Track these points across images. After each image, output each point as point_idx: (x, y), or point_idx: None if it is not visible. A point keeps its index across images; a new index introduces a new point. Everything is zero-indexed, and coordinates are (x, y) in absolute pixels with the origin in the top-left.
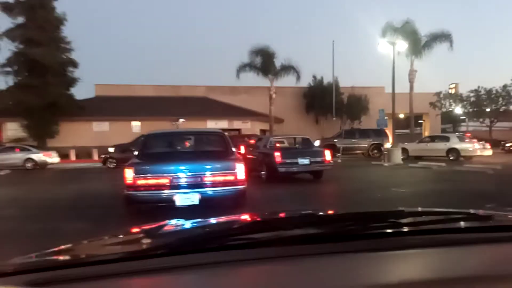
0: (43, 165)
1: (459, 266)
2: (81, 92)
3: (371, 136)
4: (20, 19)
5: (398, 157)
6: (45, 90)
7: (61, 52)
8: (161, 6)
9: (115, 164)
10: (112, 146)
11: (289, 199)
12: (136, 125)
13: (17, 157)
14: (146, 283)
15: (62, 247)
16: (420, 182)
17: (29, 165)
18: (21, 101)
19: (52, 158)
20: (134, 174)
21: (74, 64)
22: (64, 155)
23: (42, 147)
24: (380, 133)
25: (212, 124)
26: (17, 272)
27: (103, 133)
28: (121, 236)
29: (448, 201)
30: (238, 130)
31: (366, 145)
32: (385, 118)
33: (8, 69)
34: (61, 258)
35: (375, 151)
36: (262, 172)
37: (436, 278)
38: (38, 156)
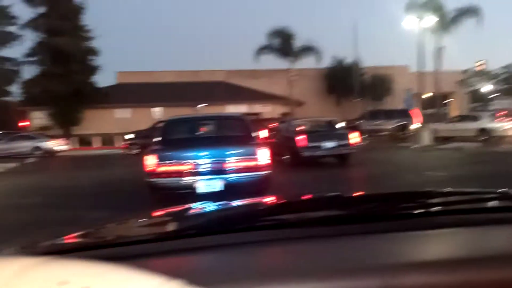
0: (51, 153)
1: (488, 245)
2: (103, 79)
3: (396, 117)
4: (42, 9)
5: (426, 138)
6: (69, 78)
7: (82, 40)
8: None
9: (138, 150)
10: (130, 133)
11: (315, 185)
12: (157, 111)
13: (25, 145)
14: (177, 263)
15: (91, 229)
16: (455, 165)
17: (37, 152)
18: (46, 89)
19: (60, 146)
20: (154, 160)
21: (96, 52)
22: (87, 142)
23: (66, 134)
24: (405, 114)
25: (232, 109)
26: (51, 252)
27: (125, 119)
28: (149, 218)
29: (490, 184)
30: (258, 114)
31: (391, 127)
32: (413, 98)
33: (32, 58)
34: (91, 239)
35: (401, 132)
36: (285, 157)
37: (465, 257)
38: (46, 144)
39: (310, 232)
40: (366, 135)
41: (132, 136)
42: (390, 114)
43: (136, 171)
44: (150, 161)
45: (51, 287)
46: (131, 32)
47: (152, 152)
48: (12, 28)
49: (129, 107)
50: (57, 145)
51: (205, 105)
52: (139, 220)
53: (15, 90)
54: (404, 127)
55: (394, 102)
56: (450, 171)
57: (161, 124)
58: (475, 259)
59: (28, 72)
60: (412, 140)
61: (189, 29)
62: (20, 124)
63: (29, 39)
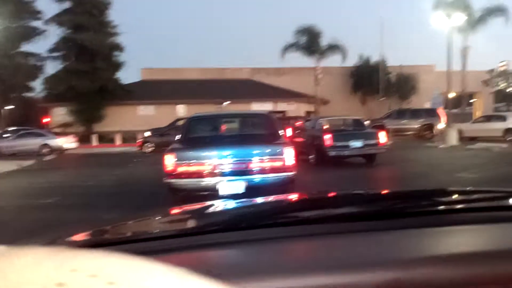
0: (59, 151)
1: (503, 241)
2: (128, 76)
3: (423, 116)
4: (67, 4)
5: (453, 138)
6: (93, 75)
7: (107, 36)
8: None
9: (153, 148)
10: (148, 130)
11: (342, 185)
12: (181, 109)
13: (33, 143)
14: (202, 257)
15: (116, 224)
16: (486, 166)
17: (45, 150)
18: (69, 86)
19: (69, 144)
20: (174, 160)
21: (120, 48)
22: (109, 140)
23: (87, 131)
24: (432, 113)
25: (257, 106)
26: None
27: (148, 117)
28: (171, 214)
29: None
30: (283, 112)
31: (417, 126)
32: (441, 97)
33: (56, 54)
34: (117, 234)
35: (427, 131)
36: (311, 156)
37: (480, 251)
38: (54, 142)
39: (332, 228)
40: (392, 134)
41: (148, 133)
42: (416, 114)
43: (147, 170)
44: (170, 161)
45: (63, 274)
46: (156, 29)
47: (172, 151)
48: (36, 23)
49: (152, 104)
50: (65, 142)
51: (230, 103)
52: (161, 216)
53: (38, 86)
54: (430, 127)
55: (420, 101)
56: (482, 172)
57: (180, 122)
58: (493, 254)
59: (52, 68)
60: (439, 140)
61: (215, 26)
62: (42, 120)
63: (54, 34)
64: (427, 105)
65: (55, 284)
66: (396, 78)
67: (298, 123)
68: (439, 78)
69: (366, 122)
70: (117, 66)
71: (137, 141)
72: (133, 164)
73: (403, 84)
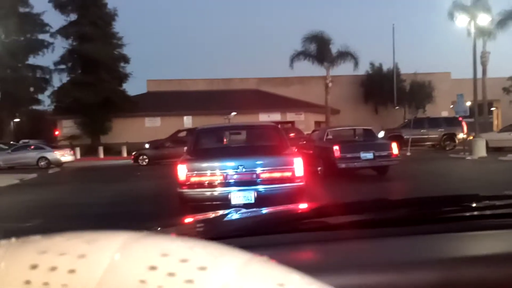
0: (57, 164)
1: None
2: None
3: (443, 125)
4: (73, 16)
5: (482, 149)
6: (99, 87)
7: (113, 48)
8: None
9: (147, 161)
10: (147, 143)
11: (353, 198)
12: (187, 120)
13: (30, 156)
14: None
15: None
16: None
17: (42, 163)
18: (75, 98)
19: (66, 157)
20: (187, 171)
21: (126, 59)
22: (116, 152)
23: (93, 143)
24: (453, 122)
25: (265, 117)
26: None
27: (155, 128)
28: (200, 220)
29: None
30: (291, 122)
31: (437, 136)
32: (466, 104)
33: (63, 66)
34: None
35: (448, 142)
36: (319, 168)
37: (506, 253)
38: (51, 155)
39: (361, 234)
40: (409, 145)
41: (147, 146)
42: (435, 122)
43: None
44: (183, 171)
45: (154, 258)
46: (162, 40)
47: (185, 161)
48: (43, 36)
49: (158, 116)
50: (62, 155)
51: (235, 114)
52: (189, 223)
53: (47, 99)
54: (452, 136)
55: (435, 110)
56: None
57: (181, 134)
58: None
59: (59, 80)
60: (463, 150)
61: (220, 37)
62: (53, 132)
63: (60, 46)
64: (445, 113)
65: (146, 268)
66: (410, 86)
67: (306, 134)
68: (455, 86)
69: (381, 132)
70: (123, 77)
71: (131, 155)
72: (134, 178)
73: (417, 93)
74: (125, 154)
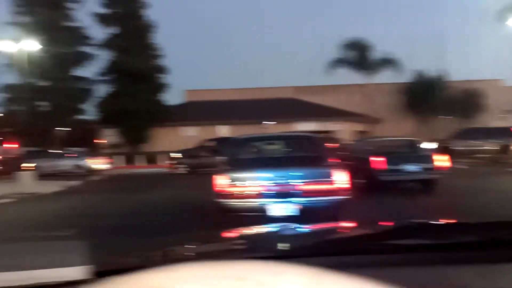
0: (91, 171)
1: None
2: (173, 98)
3: (497, 136)
4: (113, 29)
5: None
6: (137, 97)
7: (151, 59)
8: (246, 6)
9: (184, 170)
10: (177, 152)
11: (399, 214)
12: (223, 129)
13: (67, 163)
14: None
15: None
16: None
17: (79, 171)
18: (115, 108)
19: (101, 165)
20: (225, 181)
21: (164, 70)
22: (155, 160)
23: (133, 151)
24: (509, 132)
25: (302, 126)
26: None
27: (192, 138)
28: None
29: None
30: (330, 132)
31: (492, 148)
32: None
33: (104, 77)
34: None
35: (505, 154)
36: (359, 181)
37: None
38: (85, 163)
39: (427, 258)
40: (461, 157)
41: (179, 155)
42: (489, 133)
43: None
44: (220, 181)
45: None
46: (200, 50)
47: (222, 172)
48: (86, 48)
49: (196, 125)
50: (97, 164)
51: (273, 123)
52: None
53: (90, 109)
54: (507, 148)
55: (487, 120)
56: None
57: (209, 143)
58: None
59: (100, 91)
60: None
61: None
62: (95, 141)
63: (102, 58)
64: (496, 123)
65: None
66: (458, 94)
67: (345, 144)
68: (507, 94)
69: (432, 144)
70: (161, 87)
71: (168, 163)
72: (169, 187)
73: (466, 101)
74: (163, 162)
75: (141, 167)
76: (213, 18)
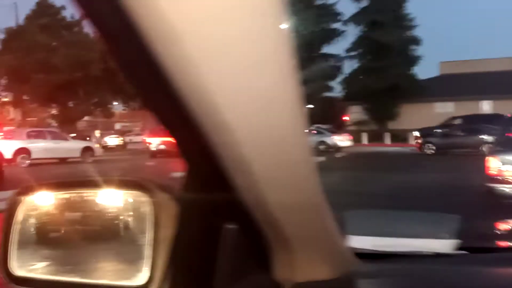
0: (335, 148)
1: None
2: (425, 71)
3: None
4: (364, 3)
5: None
6: (387, 72)
7: (403, 30)
8: None
9: (434, 150)
10: (417, 130)
11: None
12: (486, 105)
13: (313, 140)
14: None
15: None
16: None
17: (321, 147)
18: (363, 84)
19: (344, 142)
20: (499, 163)
21: (417, 41)
22: (403, 139)
23: (380, 129)
24: None
25: None
26: None
27: (446, 114)
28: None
29: None
30: None
31: None
32: None
33: (353, 53)
34: None
35: None
36: None
37: None
38: (330, 140)
39: None
40: None
41: (417, 133)
42: None
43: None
44: (493, 164)
45: None
46: (457, 18)
47: (496, 153)
48: (336, 25)
49: (451, 101)
50: (340, 141)
51: None
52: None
53: (337, 86)
54: None
55: None
56: None
57: (456, 121)
58: None
59: (350, 67)
60: None
61: None
62: (342, 118)
63: (352, 34)
64: None
65: None
66: None
67: None
68: None
69: None
70: (413, 61)
71: (415, 142)
72: (421, 168)
73: None
74: (412, 141)
75: (383, 145)
76: None
